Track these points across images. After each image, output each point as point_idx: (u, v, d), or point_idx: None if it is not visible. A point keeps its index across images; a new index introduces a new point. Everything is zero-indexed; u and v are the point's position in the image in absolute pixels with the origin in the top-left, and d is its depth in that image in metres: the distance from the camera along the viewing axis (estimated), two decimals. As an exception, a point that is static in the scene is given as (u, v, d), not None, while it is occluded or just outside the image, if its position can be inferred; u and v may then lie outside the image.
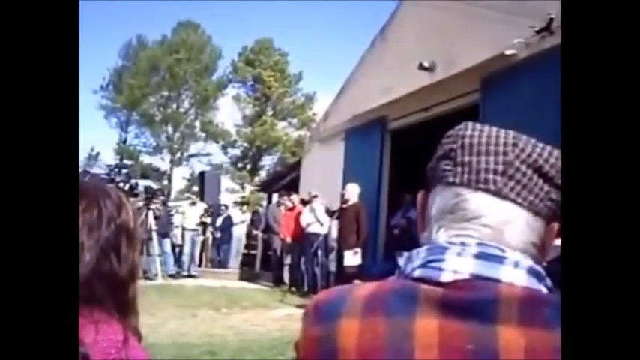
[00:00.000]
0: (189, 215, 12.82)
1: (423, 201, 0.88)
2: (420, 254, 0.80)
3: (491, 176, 0.79)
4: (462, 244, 0.78)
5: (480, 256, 0.76)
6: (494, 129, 0.83)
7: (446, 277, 0.75)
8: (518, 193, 0.79)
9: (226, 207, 15.76)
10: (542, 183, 0.79)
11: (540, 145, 0.81)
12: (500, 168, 0.79)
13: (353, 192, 9.53)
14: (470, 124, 0.84)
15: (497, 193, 0.79)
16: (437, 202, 0.83)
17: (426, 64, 8.96)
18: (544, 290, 0.76)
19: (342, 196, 9.75)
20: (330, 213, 10.38)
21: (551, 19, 6.62)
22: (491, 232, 0.78)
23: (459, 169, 0.81)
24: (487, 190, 0.79)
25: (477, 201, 0.79)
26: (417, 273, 0.78)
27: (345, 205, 9.54)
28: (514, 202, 0.79)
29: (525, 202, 0.79)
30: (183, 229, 12.73)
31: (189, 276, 12.34)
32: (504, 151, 0.80)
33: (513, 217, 0.79)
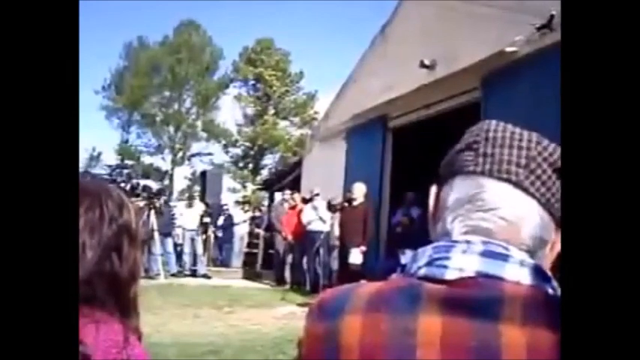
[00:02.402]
0: (187, 215, 12.85)
1: (436, 196, 0.88)
2: (425, 252, 0.80)
3: (513, 167, 0.80)
4: (467, 242, 0.78)
5: (485, 254, 0.76)
6: (518, 127, 0.84)
7: (451, 274, 0.75)
8: (538, 188, 0.80)
9: (223, 206, 15.71)
10: (560, 184, 0.80)
11: (559, 147, 0.82)
12: (523, 161, 0.80)
13: (360, 191, 9.54)
14: (494, 122, 0.86)
15: (518, 185, 0.80)
16: (454, 192, 0.83)
17: (426, 62, 8.96)
18: (548, 289, 0.75)
19: (346, 194, 9.76)
20: (332, 208, 10.36)
21: (552, 16, 6.61)
22: (507, 226, 0.79)
23: (481, 159, 0.82)
24: (508, 180, 0.80)
25: (497, 191, 0.80)
26: (423, 271, 0.78)
27: (352, 204, 9.54)
28: (532, 195, 0.79)
29: (543, 199, 0.80)
30: (183, 229, 12.76)
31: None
32: (528, 146, 0.81)
33: (530, 211, 0.80)
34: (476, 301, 0.72)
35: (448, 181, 0.85)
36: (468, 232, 0.80)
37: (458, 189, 0.83)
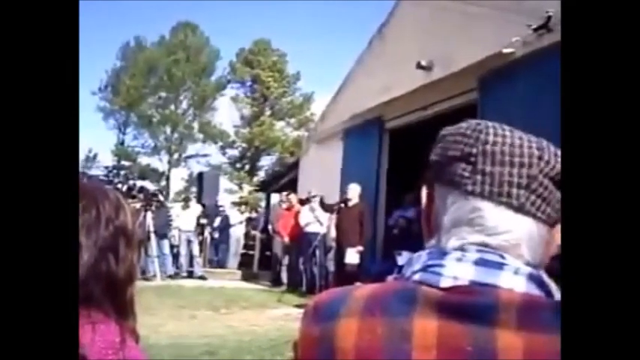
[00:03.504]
0: (183, 217, 12.84)
1: (428, 200, 0.85)
2: (420, 258, 0.79)
3: (514, 190, 0.76)
4: (462, 249, 0.77)
5: (479, 262, 0.75)
6: (517, 135, 0.79)
7: (445, 282, 0.75)
8: (539, 207, 0.77)
9: (220, 207, 15.67)
10: (559, 193, 0.77)
11: (559, 152, 0.78)
12: (524, 182, 0.76)
13: (355, 192, 9.55)
14: (491, 127, 0.80)
15: (520, 208, 0.76)
16: (451, 211, 0.80)
17: (423, 64, 8.97)
18: (543, 295, 0.75)
19: (342, 195, 9.77)
20: (325, 207, 10.36)
21: (549, 17, 6.62)
22: (507, 246, 0.77)
23: (479, 178, 0.77)
24: (509, 205, 0.76)
25: (497, 216, 0.77)
26: (417, 277, 0.77)
27: (347, 205, 9.55)
28: (533, 215, 0.77)
29: (544, 216, 0.77)
30: (179, 230, 12.76)
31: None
32: (529, 163, 0.77)
33: (530, 231, 0.77)
34: (471, 307, 0.72)
35: (441, 191, 0.82)
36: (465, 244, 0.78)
37: (454, 208, 0.79)
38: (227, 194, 26.32)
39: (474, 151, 0.79)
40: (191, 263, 12.81)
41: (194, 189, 17.57)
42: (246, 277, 13.29)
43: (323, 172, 12.06)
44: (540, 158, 0.77)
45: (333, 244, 10.07)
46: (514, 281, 0.74)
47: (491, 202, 0.77)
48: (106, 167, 35.41)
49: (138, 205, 10.66)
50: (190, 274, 12.54)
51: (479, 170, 0.78)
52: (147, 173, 34.40)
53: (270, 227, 12.89)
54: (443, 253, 0.78)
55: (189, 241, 12.76)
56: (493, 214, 0.77)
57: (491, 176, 0.77)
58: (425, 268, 0.77)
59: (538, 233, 0.78)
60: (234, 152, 38.42)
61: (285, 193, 12.95)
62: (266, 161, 38.50)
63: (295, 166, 15.22)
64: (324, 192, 10.84)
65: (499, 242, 0.77)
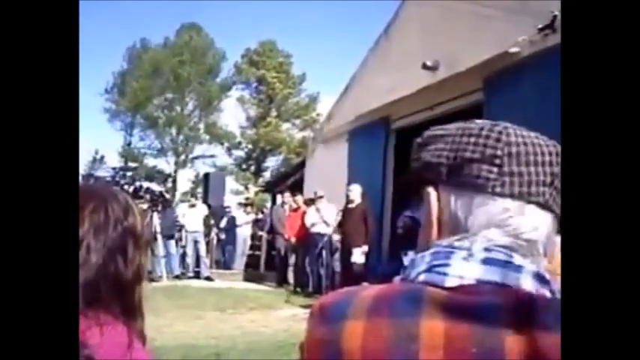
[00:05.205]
0: (189, 217, 12.86)
1: (438, 201, 0.84)
2: (424, 259, 0.79)
3: (541, 188, 0.78)
4: (468, 249, 0.77)
5: (486, 261, 0.75)
6: (533, 134, 0.81)
7: (451, 282, 0.75)
8: (559, 203, 0.79)
9: (226, 208, 15.68)
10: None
11: None
12: (549, 179, 0.78)
13: (357, 192, 9.54)
14: (510, 128, 0.81)
15: (546, 206, 0.78)
16: (476, 213, 0.79)
17: (429, 64, 8.96)
18: (548, 294, 0.75)
19: (347, 196, 9.76)
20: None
21: (555, 17, 6.61)
22: (527, 245, 0.78)
23: (507, 179, 0.78)
24: (538, 203, 0.78)
25: (523, 214, 0.78)
26: (422, 278, 0.77)
27: (350, 206, 9.54)
28: (554, 212, 0.79)
29: (560, 212, 0.79)
30: (186, 230, 12.78)
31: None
32: (550, 162, 0.79)
33: (548, 226, 0.80)
34: (477, 307, 0.72)
35: (460, 193, 0.81)
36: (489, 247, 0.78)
37: (482, 210, 0.79)
38: (233, 195, 26.34)
39: (499, 152, 0.79)
40: (197, 264, 12.82)
41: (200, 190, 17.56)
42: (252, 278, 13.28)
43: (329, 172, 12.05)
44: (558, 155, 0.79)
45: (340, 244, 10.06)
46: (520, 280, 0.74)
47: (521, 202, 0.78)
48: (113, 168, 35.45)
49: (144, 206, 10.70)
50: (197, 275, 12.56)
51: (506, 172, 0.78)
52: (153, 174, 34.44)
53: (275, 224, 12.86)
54: (448, 252, 0.78)
55: (195, 242, 12.78)
56: (521, 213, 0.78)
57: (519, 176, 0.78)
58: (430, 269, 0.77)
59: (553, 228, 0.80)
60: (240, 153, 38.44)
61: (287, 194, 12.96)
62: (272, 162, 38.52)
63: (301, 166, 15.23)
64: (330, 192, 10.82)
65: (522, 242, 0.78)
